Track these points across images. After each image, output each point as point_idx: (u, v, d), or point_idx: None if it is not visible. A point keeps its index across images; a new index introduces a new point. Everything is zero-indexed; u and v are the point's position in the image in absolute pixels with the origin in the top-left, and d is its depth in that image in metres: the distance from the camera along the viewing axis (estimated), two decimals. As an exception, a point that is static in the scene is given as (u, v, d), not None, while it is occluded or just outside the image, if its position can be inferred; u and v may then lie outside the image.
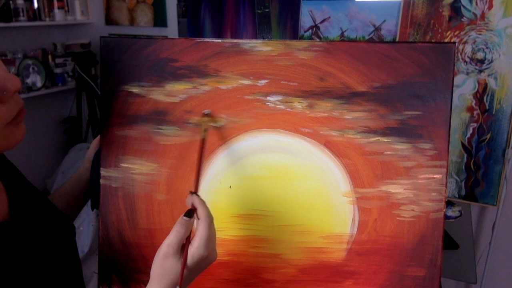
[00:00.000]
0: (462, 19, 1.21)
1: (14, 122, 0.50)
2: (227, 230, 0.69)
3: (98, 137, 0.80)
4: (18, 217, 0.56)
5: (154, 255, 0.59)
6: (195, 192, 0.60)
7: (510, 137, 1.18)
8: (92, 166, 0.77)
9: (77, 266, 0.66)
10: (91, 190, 0.78)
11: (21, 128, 0.52)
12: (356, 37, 1.42)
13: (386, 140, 0.66)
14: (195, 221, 0.58)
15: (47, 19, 2.60)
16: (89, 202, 0.80)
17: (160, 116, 0.70)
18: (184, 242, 0.56)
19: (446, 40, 1.23)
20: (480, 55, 1.20)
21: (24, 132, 0.52)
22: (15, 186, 0.60)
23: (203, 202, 0.58)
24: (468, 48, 1.21)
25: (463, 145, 1.24)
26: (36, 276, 0.55)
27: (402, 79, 0.65)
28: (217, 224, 0.69)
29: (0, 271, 0.50)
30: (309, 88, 0.67)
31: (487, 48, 1.19)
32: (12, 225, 0.55)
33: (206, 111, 0.69)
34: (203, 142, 0.66)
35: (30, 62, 2.51)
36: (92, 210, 0.78)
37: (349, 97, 0.66)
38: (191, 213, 0.57)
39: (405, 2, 1.28)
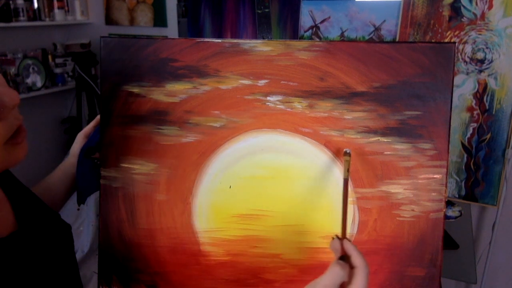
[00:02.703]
0: (462, 19, 1.21)
1: (14, 141, 0.47)
2: (227, 230, 0.69)
3: (83, 131, 0.80)
4: (25, 228, 0.56)
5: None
6: (345, 237, 0.57)
7: (510, 137, 1.18)
8: (78, 161, 0.77)
9: (75, 265, 0.66)
10: (77, 186, 0.78)
11: (23, 147, 0.49)
12: (356, 37, 1.42)
13: (386, 140, 0.66)
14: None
15: (47, 19, 2.60)
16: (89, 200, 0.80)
17: (160, 116, 0.70)
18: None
19: (446, 40, 1.23)
20: (480, 55, 1.20)
21: (25, 151, 0.50)
22: (17, 195, 0.60)
23: (357, 249, 0.55)
24: (468, 48, 1.21)
25: (463, 145, 1.24)
26: (38, 283, 0.54)
27: (402, 79, 0.65)
28: (217, 224, 0.70)
29: (9, 282, 0.50)
30: (309, 88, 0.67)
31: (487, 48, 1.19)
32: (21, 236, 0.54)
33: (347, 150, 0.66)
34: (346, 182, 0.63)
35: (30, 62, 2.51)
36: (79, 205, 0.79)
37: (349, 97, 0.66)
38: (345, 258, 0.54)
39: (405, 2, 1.28)
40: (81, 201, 0.77)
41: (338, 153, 0.67)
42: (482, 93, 1.20)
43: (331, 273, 0.52)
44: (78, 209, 2.14)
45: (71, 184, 0.79)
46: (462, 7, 1.21)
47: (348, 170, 0.64)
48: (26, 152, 0.50)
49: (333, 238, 0.57)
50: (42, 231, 0.59)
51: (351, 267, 0.53)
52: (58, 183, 0.79)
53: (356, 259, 0.53)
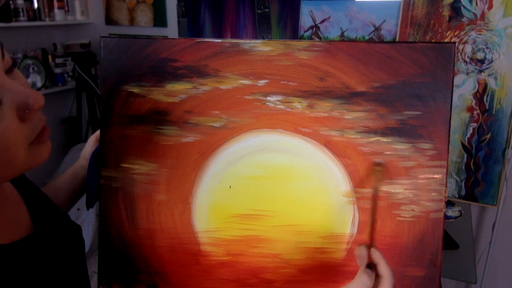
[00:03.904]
0: (462, 19, 1.21)
1: (38, 141, 0.47)
2: (227, 230, 0.69)
3: (95, 134, 0.80)
4: (41, 229, 0.56)
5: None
6: (373, 245, 0.57)
7: (510, 137, 1.18)
8: (89, 165, 0.77)
9: (85, 269, 0.66)
10: (87, 189, 0.77)
11: (47, 146, 0.49)
12: (356, 37, 1.42)
13: (386, 140, 0.66)
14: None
15: (47, 19, 2.60)
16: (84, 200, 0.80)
17: (160, 116, 0.70)
18: None
19: (446, 40, 1.23)
20: (480, 55, 1.20)
21: (49, 149, 0.49)
22: (32, 197, 0.60)
23: (384, 258, 0.55)
24: (468, 48, 1.21)
25: (463, 145, 1.24)
26: (51, 283, 0.55)
27: (402, 79, 0.65)
28: (217, 224, 0.70)
29: (24, 283, 0.50)
30: (309, 88, 0.67)
31: (487, 48, 1.19)
32: (38, 238, 0.55)
33: (379, 161, 0.66)
34: (376, 191, 0.64)
35: (30, 62, 2.51)
36: (88, 209, 0.78)
37: (349, 97, 0.66)
38: (371, 267, 0.55)
39: (405, 2, 1.28)
40: (90, 205, 0.77)
41: (338, 153, 0.67)
42: (482, 93, 1.20)
43: (359, 282, 0.53)
44: (78, 209, 2.14)
45: (80, 186, 0.79)
46: (462, 7, 1.21)
47: (379, 180, 0.64)
48: (49, 151, 0.50)
49: (359, 246, 0.57)
50: (56, 233, 0.59)
51: (377, 276, 0.54)
52: (67, 185, 0.79)
53: (383, 268, 0.54)
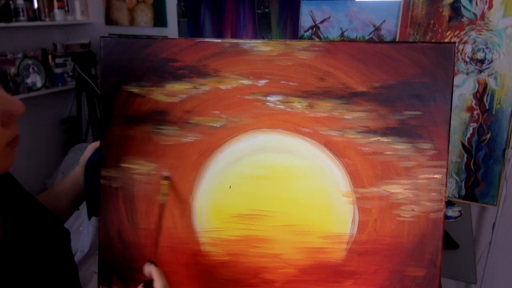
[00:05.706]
0: (462, 19, 1.21)
1: (11, 146, 0.51)
2: (227, 230, 0.69)
3: (95, 143, 0.78)
4: (11, 236, 0.55)
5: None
6: (153, 262, 0.60)
7: (510, 137, 1.18)
8: (85, 173, 0.76)
9: (73, 270, 0.66)
10: (87, 200, 0.76)
11: (14, 152, 0.52)
12: (356, 37, 1.42)
13: (386, 140, 0.66)
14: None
15: (47, 19, 2.60)
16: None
17: (160, 116, 0.70)
18: None
19: (446, 40, 1.23)
20: (480, 55, 1.20)
21: (15, 156, 0.53)
22: (8, 201, 0.59)
23: (160, 274, 0.59)
24: (468, 48, 1.21)
25: (463, 145, 1.23)
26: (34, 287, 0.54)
27: (402, 79, 0.65)
28: (217, 224, 0.70)
29: None
30: (309, 88, 0.67)
31: (487, 48, 1.19)
32: (5, 245, 0.54)
33: (165, 174, 0.69)
34: (162, 206, 0.67)
35: (30, 62, 2.51)
36: (89, 219, 0.78)
37: (349, 97, 0.66)
38: (149, 285, 0.58)
39: (405, 2, 1.28)
40: (91, 214, 0.76)
41: (338, 153, 0.67)
42: (482, 93, 1.20)
43: None
44: (78, 209, 2.14)
45: (79, 192, 0.78)
46: (462, 7, 1.21)
47: (163, 195, 0.67)
48: (14, 158, 0.53)
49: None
50: (32, 238, 0.58)
51: None
52: (67, 191, 0.78)
53: (157, 283, 0.58)
